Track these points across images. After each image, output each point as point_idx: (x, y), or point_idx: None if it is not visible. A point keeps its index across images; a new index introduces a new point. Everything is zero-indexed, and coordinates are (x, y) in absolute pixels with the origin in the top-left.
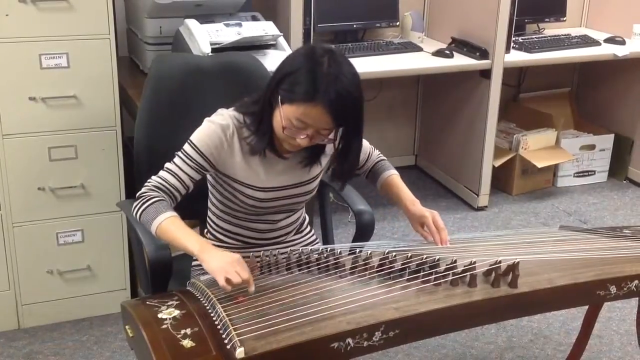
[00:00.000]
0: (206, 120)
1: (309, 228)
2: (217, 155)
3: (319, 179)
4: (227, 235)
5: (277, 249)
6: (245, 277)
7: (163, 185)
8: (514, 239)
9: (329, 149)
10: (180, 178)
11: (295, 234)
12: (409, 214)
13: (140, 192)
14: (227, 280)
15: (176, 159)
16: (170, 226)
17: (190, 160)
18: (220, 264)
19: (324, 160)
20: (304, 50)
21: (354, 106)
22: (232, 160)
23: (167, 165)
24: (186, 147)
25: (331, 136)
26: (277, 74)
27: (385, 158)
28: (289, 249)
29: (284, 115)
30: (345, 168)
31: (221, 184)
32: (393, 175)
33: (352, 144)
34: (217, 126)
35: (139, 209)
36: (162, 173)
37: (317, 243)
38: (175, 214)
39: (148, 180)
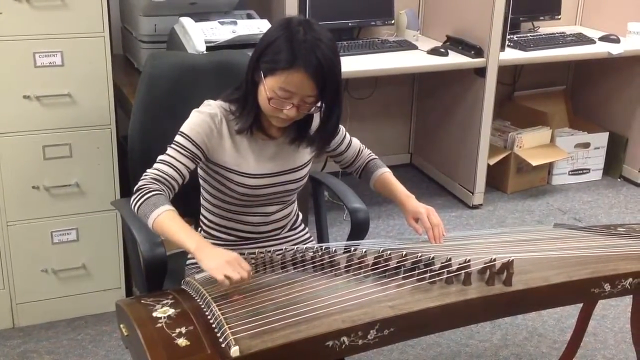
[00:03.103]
0: (194, 111)
1: (302, 225)
2: (209, 143)
3: (309, 167)
4: (220, 230)
5: (272, 245)
6: (245, 276)
7: (161, 177)
8: (509, 237)
9: (315, 126)
10: (176, 168)
11: (289, 230)
12: (404, 208)
13: (138, 185)
14: (227, 277)
15: (170, 151)
16: (167, 221)
17: (184, 149)
18: (219, 262)
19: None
20: (279, 23)
21: (334, 70)
22: (222, 148)
23: (161, 157)
24: (178, 138)
25: (319, 104)
26: (256, 50)
27: (377, 157)
28: (284, 247)
29: (268, 87)
30: (324, 134)
31: (212, 176)
32: (385, 173)
33: (333, 110)
34: (205, 115)
35: (137, 201)
36: (157, 165)
37: (311, 241)
38: (171, 207)
39: (145, 173)
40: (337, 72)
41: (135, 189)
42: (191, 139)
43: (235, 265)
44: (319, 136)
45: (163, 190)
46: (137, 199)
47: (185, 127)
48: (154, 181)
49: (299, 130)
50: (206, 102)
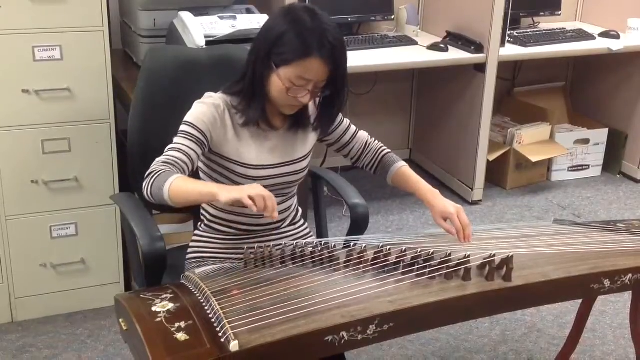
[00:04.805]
0: (197, 102)
1: (302, 221)
2: (213, 132)
3: (309, 159)
4: (222, 224)
5: (272, 239)
6: (270, 204)
7: (171, 160)
8: (508, 232)
9: (312, 110)
10: (185, 152)
11: (289, 225)
12: (432, 208)
13: (149, 171)
14: (251, 198)
15: (177, 139)
16: (180, 182)
17: (191, 136)
18: (242, 188)
19: (312, 140)
20: (282, 14)
21: (344, 52)
22: (225, 138)
23: (169, 146)
24: (183, 127)
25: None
26: (263, 44)
27: (389, 150)
28: (283, 242)
29: (284, 77)
30: (332, 112)
31: (213, 168)
32: (403, 168)
33: (341, 89)
34: (209, 105)
35: (148, 183)
36: (167, 152)
37: (311, 236)
38: (184, 175)
39: (155, 161)
40: (345, 52)
41: (146, 175)
42: (197, 126)
43: (258, 190)
44: (326, 116)
45: (173, 170)
46: (148, 182)
47: (189, 117)
48: (164, 164)
49: (296, 116)
50: (207, 94)
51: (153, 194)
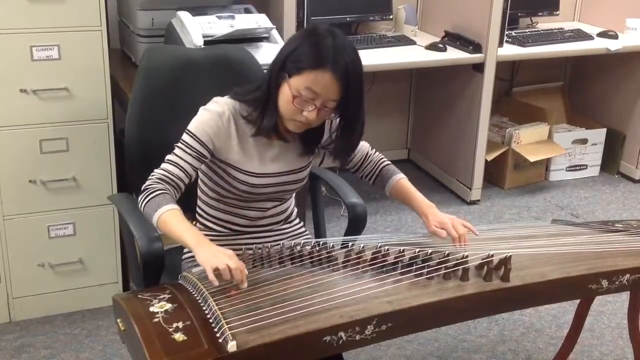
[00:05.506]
0: (202, 109)
1: (297, 219)
2: (216, 142)
3: (309, 168)
4: (217, 223)
5: (266, 238)
6: (237, 277)
7: (166, 177)
8: (507, 233)
9: (324, 139)
10: (182, 168)
11: (284, 224)
12: (426, 216)
13: (145, 185)
14: (217, 275)
15: (176, 150)
16: (169, 219)
17: (190, 149)
18: (211, 257)
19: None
20: (305, 30)
21: (359, 76)
22: (229, 146)
23: (168, 157)
24: (185, 137)
25: (337, 112)
26: (282, 54)
27: (389, 161)
28: (282, 242)
29: (293, 86)
30: (350, 142)
31: (215, 171)
32: (402, 180)
33: (357, 116)
34: (213, 113)
35: (142, 201)
36: (164, 165)
37: (305, 233)
38: (176, 207)
39: (152, 174)
40: (361, 79)
41: (142, 189)
42: (198, 138)
43: (228, 262)
44: (344, 147)
45: (168, 189)
46: (142, 199)
47: (192, 126)
48: (160, 181)
49: (307, 141)
50: (214, 99)
51: (145, 214)
